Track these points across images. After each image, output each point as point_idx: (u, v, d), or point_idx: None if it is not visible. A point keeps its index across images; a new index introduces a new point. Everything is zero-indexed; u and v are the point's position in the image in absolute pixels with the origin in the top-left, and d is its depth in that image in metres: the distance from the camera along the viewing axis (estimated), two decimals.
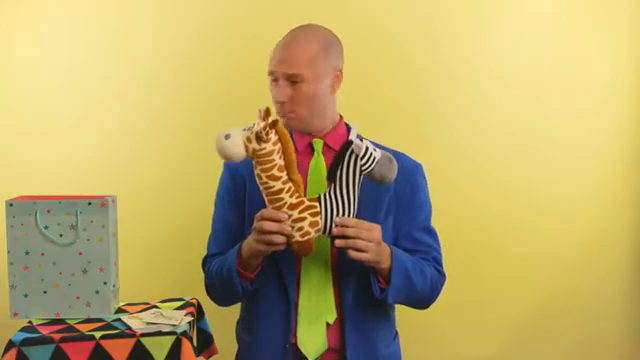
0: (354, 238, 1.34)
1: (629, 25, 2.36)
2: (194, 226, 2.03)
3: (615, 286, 2.46)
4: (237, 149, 1.29)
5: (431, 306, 1.59)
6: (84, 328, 1.36)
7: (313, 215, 1.34)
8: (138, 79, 2.20)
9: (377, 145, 1.50)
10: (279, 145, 1.32)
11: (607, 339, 2.48)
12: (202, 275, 1.60)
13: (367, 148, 1.32)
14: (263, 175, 1.32)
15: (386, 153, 1.35)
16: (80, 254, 1.43)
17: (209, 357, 1.60)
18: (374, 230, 1.37)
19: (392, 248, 1.44)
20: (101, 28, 2.18)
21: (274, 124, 1.29)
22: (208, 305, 1.60)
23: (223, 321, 1.71)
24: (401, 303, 1.54)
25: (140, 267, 2.12)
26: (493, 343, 2.40)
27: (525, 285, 2.39)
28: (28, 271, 1.42)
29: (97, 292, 1.44)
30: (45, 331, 1.34)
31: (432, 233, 1.58)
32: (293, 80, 1.45)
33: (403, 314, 1.64)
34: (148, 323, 1.38)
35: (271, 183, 1.32)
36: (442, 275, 1.57)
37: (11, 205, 1.42)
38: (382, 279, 1.45)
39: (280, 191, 1.33)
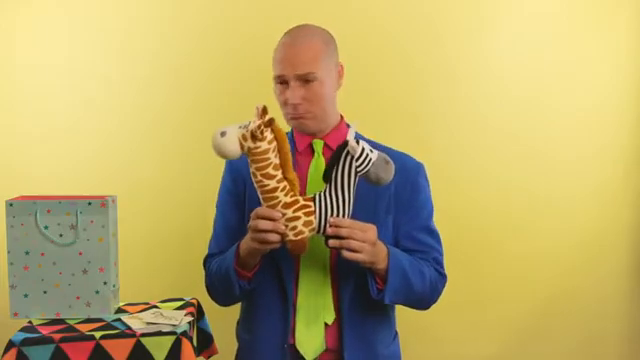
0: (347, 238, 1.34)
1: (629, 25, 2.36)
2: (194, 226, 2.03)
3: (615, 286, 2.46)
4: (232, 146, 1.29)
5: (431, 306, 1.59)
6: (84, 328, 1.36)
7: (307, 214, 1.34)
8: (138, 79, 2.21)
9: (379, 145, 1.50)
10: (274, 144, 1.31)
11: (607, 339, 2.48)
12: (202, 275, 1.60)
13: (363, 149, 1.32)
14: (258, 173, 1.32)
15: (382, 154, 1.34)
16: (80, 254, 1.43)
17: (209, 357, 1.60)
18: (369, 231, 1.36)
19: (389, 248, 1.44)
20: (101, 28, 2.18)
21: (270, 123, 1.29)
22: (208, 305, 1.60)
23: (223, 321, 1.71)
24: (400, 304, 1.54)
25: (140, 267, 2.13)
26: (493, 343, 2.40)
27: (525, 285, 2.39)
28: (28, 271, 1.42)
29: (97, 292, 1.44)
30: (45, 331, 1.34)
31: (434, 234, 1.58)
32: (306, 79, 1.44)
33: (403, 314, 1.64)
34: (148, 323, 1.38)
35: (266, 181, 1.32)
36: (443, 276, 1.56)
37: (11, 205, 1.42)
38: (379, 279, 1.44)
39: (275, 190, 1.33)
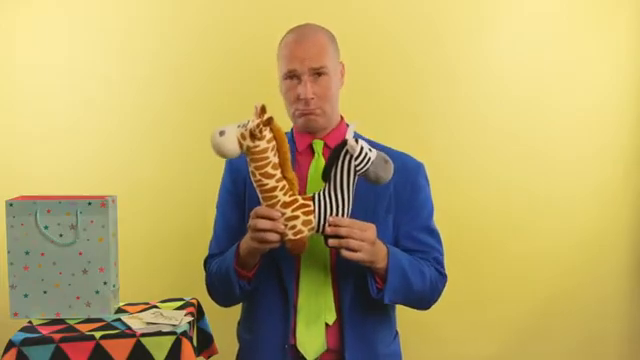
0: (347, 238, 1.33)
1: (629, 25, 2.36)
2: (194, 226, 2.03)
3: (615, 286, 2.46)
4: (231, 146, 1.29)
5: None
6: (84, 328, 1.36)
7: (306, 214, 1.34)
8: (138, 79, 2.20)
9: (379, 145, 1.50)
10: (273, 143, 1.31)
11: (607, 339, 2.48)
12: (202, 275, 1.60)
13: (362, 148, 1.32)
14: (257, 172, 1.32)
15: (381, 153, 1.34)
16: (80, 254, 1.43)
17: (209, 357, 1.60)
18: (368, 230, 1.36)
19: (389, 248, 1.44)
20: (101, 28, 2.18)
21: (269, 122, 1.29)
22: (208, 305, 1.60)
23: (223, 321, 1.71)
24: (399, 303, 1.54)
25: (140, 267, 2.12)
26: (493, 343, 2.40)
27: (525, 285, 2.39)
28: (28, 271, 1.42)
29: (97, 292, 1.44)
30: (45, 331, 1.34)
31: (434, 233, 1.58)
32: (318, 73, 1.45)
33: (403, 314, 1.64)
34: (148, 323, 1.38)
35: (265, 181, 1.32)
36: (443, 276, 1.56)
37: (11, 205, 1.42)
38: (379, 279, 1.44)
39: (274, 189, 1.33)
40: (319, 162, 1.52)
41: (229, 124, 1.31)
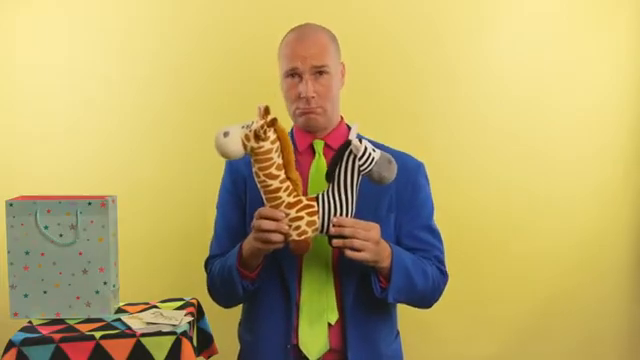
0: (351, 238, 1.33)
1: (629, 25, 2.36)
2: (194, 226, 2.04)
3: (615, 286, 2.46)
4: (235, 147, 1.29)
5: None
6: (84, 328, 1.36)
7: (310, 214, 1.34)
8: (138, 79, 2.20)
9: (380, 145, 1.50)
10: (277, 144, 1.31)
11: (607, 339, 2.48)
12: (202, 275, 1.60)
13: (366, 148, 1.32)
14: (261, 173, 1.32)
15: (385, 154, 1.34)
16: (80, 254, 1.43)
17: (209, 357, 1.60)
18: (372, 229, 1.36)
19: (393, 247, 1.44)
20: (101, 28, 2.18)
21: (273, 122, 1.29)
22: (208, 305, 1.60)
23: (223, 321, 1.71)
24: (402, 302, 1.54)
25: (140, 267, 2.12)
26: (493, 343, 2.40)
27: (525, 285, 2.39)
28: (28, 271, 1.42)
29: (97, 292, 1.44)
30: (45, 331, 1.34)
31: (435, 232, 1.58)
32: (320, 72, 1.45)
33: (404, 313, 1.64)
34: (148, 323, 1.38)
35: (269, 181, 1.32)
36: (444, 274, 1.57)
37: (11, 205, 1.42)
38: (383, 278, 1.44)
39: (278, 190, 1.33)
40: (320, 162, 1.52)
41: (233, 125, 1.31)
